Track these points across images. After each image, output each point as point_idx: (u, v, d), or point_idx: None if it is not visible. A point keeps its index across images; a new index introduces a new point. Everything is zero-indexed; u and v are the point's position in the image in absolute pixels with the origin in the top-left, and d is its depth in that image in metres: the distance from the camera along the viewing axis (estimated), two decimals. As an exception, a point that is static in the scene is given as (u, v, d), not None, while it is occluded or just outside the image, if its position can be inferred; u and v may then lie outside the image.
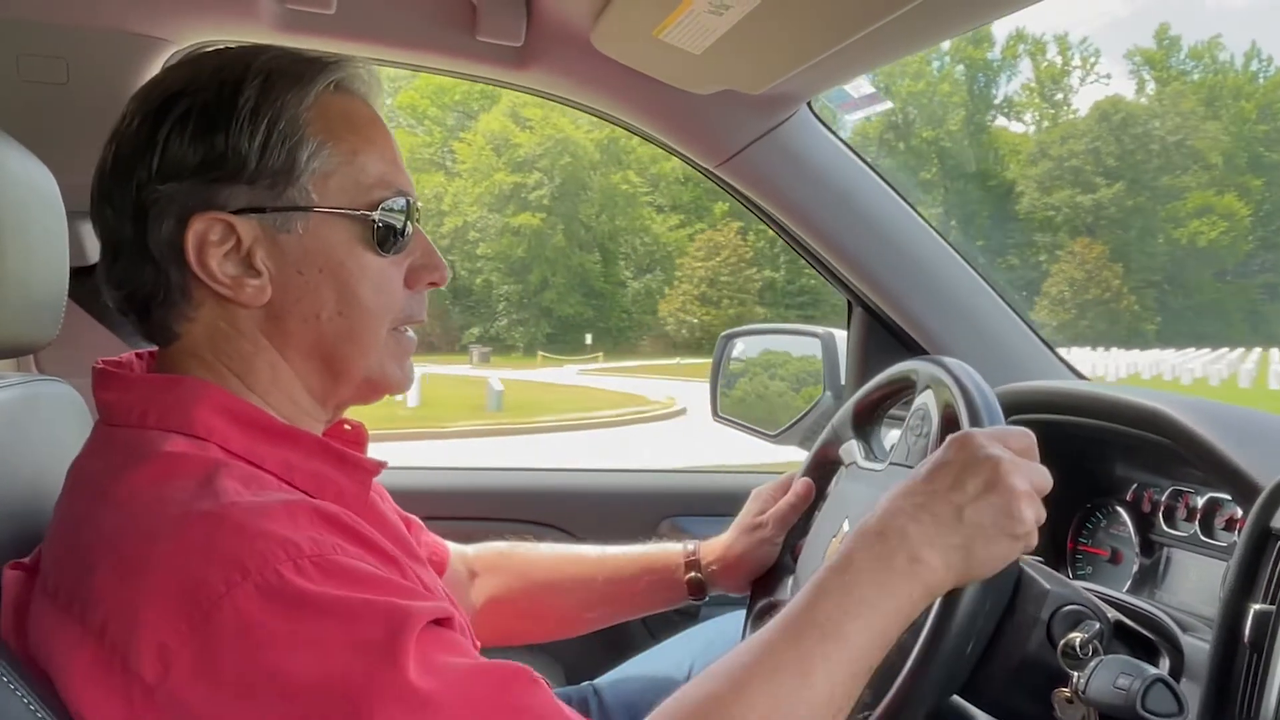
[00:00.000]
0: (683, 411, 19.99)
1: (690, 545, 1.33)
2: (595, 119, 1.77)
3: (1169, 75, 65.04)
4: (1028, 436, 0.92)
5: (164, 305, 0.87)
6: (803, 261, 1.83)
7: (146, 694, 0.70)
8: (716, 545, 1.32)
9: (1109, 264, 54.89)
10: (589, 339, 48.91)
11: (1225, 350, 43.52)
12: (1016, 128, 68.13)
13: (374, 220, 0.88)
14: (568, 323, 51.83)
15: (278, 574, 0.70)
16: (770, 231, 1.81)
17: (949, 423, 1.06)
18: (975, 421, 0.99)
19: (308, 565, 0.71)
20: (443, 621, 0.76)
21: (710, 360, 2.00)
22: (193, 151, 0.84)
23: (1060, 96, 68.38)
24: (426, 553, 1.19)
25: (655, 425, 18.63)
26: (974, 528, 0.84)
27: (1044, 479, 0.89)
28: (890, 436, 1.58)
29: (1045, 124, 66.15)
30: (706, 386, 2.02)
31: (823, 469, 1.31)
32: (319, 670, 0.68)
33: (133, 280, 0.87)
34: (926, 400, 1.13)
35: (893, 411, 1.30)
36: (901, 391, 1.24)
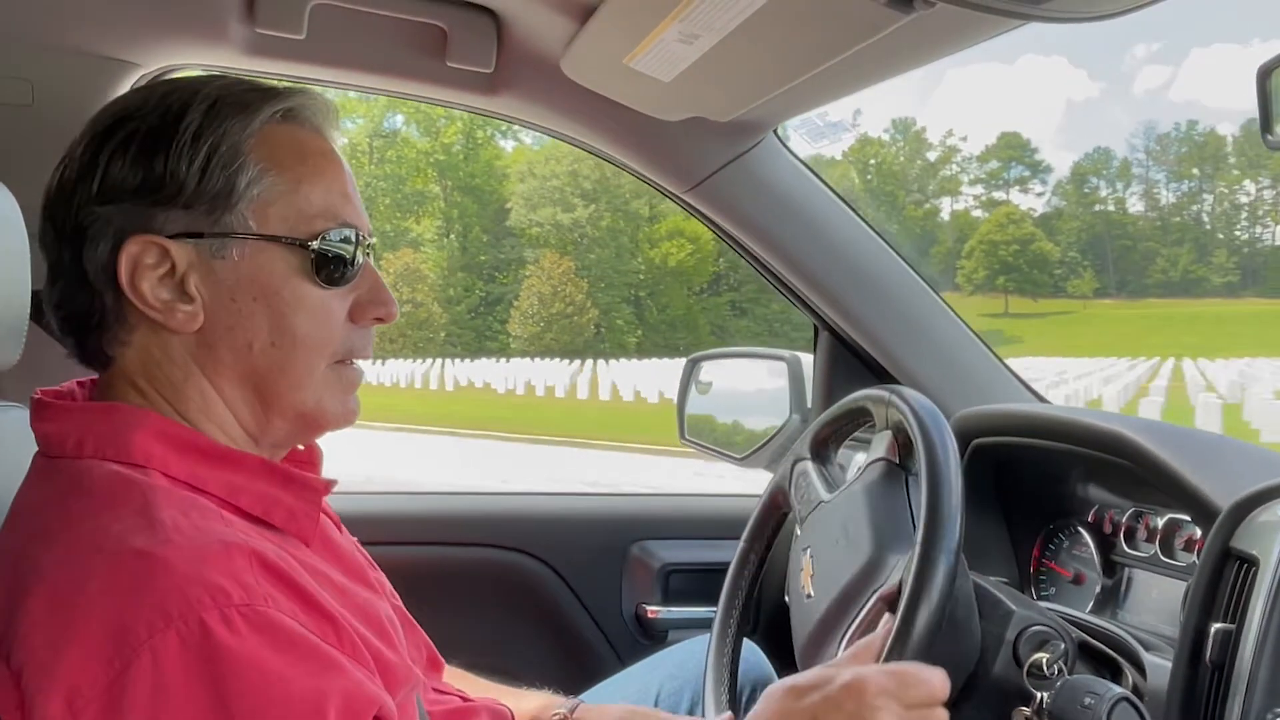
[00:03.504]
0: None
1: (573, 703, 1.21)
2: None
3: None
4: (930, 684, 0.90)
5: (99, 329, 0.87)
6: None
7: None
8: (598, 709, 1.21)
9: (575, 279, 56.82)
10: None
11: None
12: (511, 145, 72.29)
13: (313, 250, 0.87)
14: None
15: (201, 623, 0.69)
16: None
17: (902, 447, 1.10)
18: (928, 447, 1.00)
19: (234, 615, 0.70)
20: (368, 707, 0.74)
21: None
22: (132, 174, 0.84)
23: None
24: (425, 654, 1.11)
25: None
26: None
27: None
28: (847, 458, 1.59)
29: (547, 143, 70.74)
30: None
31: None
32: None
33: (70, 303, 0.87)
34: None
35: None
36: (855, 423, 1.25)
